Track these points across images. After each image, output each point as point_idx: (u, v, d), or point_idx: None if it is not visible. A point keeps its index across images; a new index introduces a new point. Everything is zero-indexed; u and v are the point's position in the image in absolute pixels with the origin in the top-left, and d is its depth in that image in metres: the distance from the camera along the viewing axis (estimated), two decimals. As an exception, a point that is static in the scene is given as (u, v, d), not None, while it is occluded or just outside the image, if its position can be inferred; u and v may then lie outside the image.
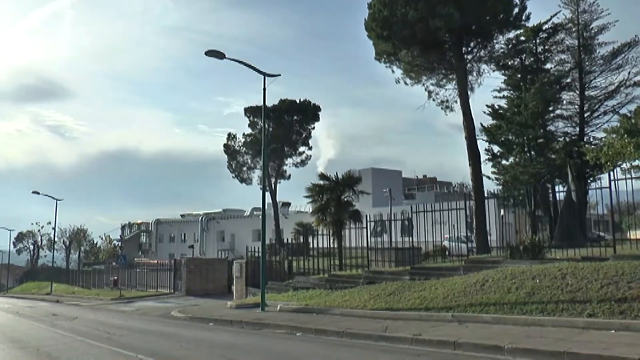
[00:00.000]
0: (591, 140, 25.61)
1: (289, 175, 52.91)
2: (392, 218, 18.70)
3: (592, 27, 26.16)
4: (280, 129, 48.82)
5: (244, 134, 51.56)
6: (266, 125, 48.08)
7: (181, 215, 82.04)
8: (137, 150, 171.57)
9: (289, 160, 51.93)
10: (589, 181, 24.47)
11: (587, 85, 26.37)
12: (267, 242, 23.60)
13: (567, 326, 9.11)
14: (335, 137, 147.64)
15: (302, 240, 32.80)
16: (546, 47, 27.10)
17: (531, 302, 10.38)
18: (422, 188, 65.23)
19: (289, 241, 27.84)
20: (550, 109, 26.22)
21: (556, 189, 25.51)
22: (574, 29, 26.38)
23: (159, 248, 76.54)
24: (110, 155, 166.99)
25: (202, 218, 71.10)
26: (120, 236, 79.35)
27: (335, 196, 21.68)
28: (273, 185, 50.00)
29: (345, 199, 22.04)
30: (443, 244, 21.15)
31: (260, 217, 17.90)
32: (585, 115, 26.35)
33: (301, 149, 52.06)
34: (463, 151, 22.69)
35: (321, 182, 22.31)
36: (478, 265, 14.13)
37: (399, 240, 18.50)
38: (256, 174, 52.11)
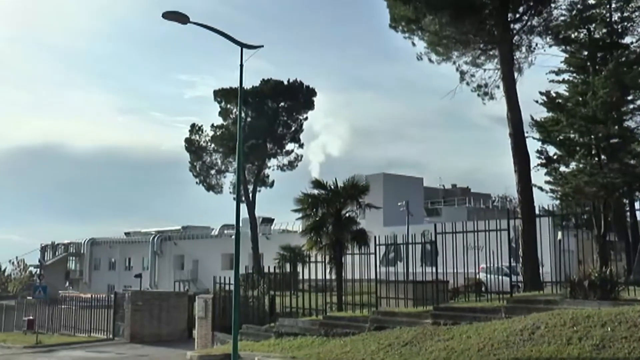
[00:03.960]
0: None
1: (273, 182, 52.95)
2: (410, 241, 18.67)
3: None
4: (262, 120, 48.95)
5: (212, 126, 51.69)
6: (243, 114, 48.10)
7: (125, 234, 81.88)
8: (66, 146, 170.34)
9: (273, 162, 52.07)
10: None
11: (682, 67, 26.44)
12: (242, 272, 23.43)
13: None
14: (336, 131, 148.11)
15: (288, 269, 32.70)
16: (624, 15, 27.22)
17: (601, 357, 10.33)
18: (450, 201, 65.43)
19: (272, 270, 27.69)
20: (629, 98, 26.35)
21: (636, 205, 25.57)
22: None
23: (94, 277, 76.32)
24: (27, 152, 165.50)
25: (154, 238, 71.19)
26: (39, 261, 78.78)
27: (333, 210, 21.65)
28: (251, 194, 50.01)
29: (348, 215, 22.00)
30: (478, 276, 21.09)
31: (234, 237, 17.83)
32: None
33: (289, 146, 52.24)
34: (507, 153, 22.78)
35: (315, 192, 22.26)
36: (526, 306, 14.11)
37: (418, 270, 18.43)
38: (228, 180, 52.22)
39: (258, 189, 51.51)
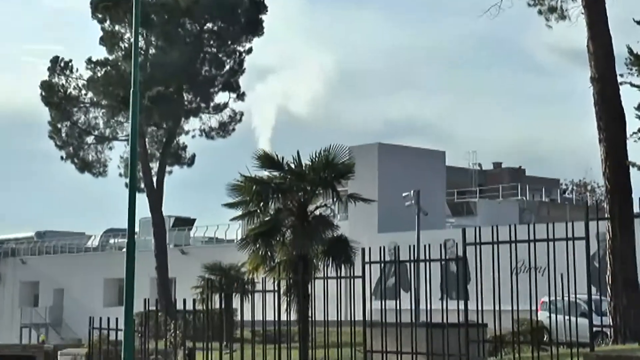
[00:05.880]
0: None
1: (193, 157, 53.06)
2: (423, 257, 18.63)
3: None
4: (176, 52, 48.63)
5: (90, 61, 51.27)
6: (142, 42, 47.52)
7: None
8: None
9: (194, 123, 52.18)
10: None
11: None
12: (138, 309, 23.14)
13: None
14: (302, 74, 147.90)
15: (218, 304, 32.69)
16: None
17: None
18: (491, 192, 66.09)
19: (190, 306, 27.58)
20: None
21: None
22: None
23: None
24: None
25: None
26: None
27: (294, 205, 21.73)
28: (156, 177, 49.79)
29: (319, 213, 22.08)
30: (537, 316, 21.08)
31: (125, 250, 17.63)
32: None
33: (220, 97, 52.35)
34: (587, 111, 22.82)
35: (265, 174, 22.31)
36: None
37: (436, 307, 18.46)
38: (117, 153, 52.02)
39: (168, 168, 51.37)
